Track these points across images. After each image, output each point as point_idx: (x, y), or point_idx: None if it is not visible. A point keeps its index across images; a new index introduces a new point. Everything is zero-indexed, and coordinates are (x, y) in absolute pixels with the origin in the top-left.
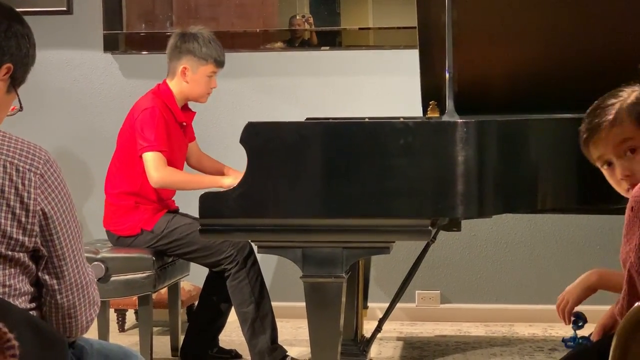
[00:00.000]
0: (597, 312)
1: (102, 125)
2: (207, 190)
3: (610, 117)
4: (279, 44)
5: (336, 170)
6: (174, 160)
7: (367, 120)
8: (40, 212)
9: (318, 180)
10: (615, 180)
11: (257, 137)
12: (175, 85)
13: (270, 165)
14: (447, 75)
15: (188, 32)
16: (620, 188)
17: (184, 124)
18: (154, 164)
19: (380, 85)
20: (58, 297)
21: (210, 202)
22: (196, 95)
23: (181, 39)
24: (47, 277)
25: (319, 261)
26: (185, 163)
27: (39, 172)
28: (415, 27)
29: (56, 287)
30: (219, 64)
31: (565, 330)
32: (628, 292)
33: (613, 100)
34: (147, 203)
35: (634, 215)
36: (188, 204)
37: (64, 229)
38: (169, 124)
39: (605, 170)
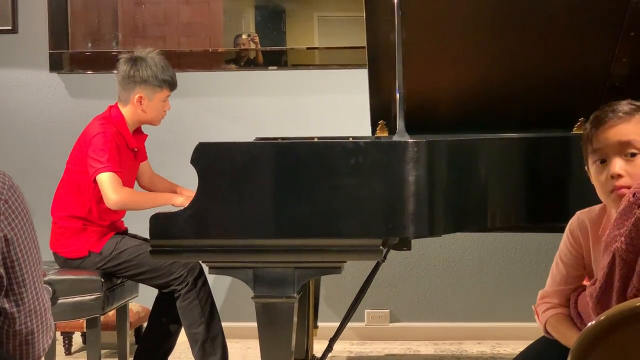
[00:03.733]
0: None
1: (49, 146)
2: (157, 211)
3: (627, 113)
4: (225, 64)
5: (287, 190)
6: (124, 182)
7: (316, 140)
8: (3, 239)
9: (269, 200)
10: (602, 179)
11: (207, 157)
12: (129, 112)
13: (221, 185)
14: (397, 95)
15: (139, 56)
16: (604, 188)
17: (136, 149)
18: (111, 185)
19: (328, 105)
20: (17, 324)
21: (160, 222)
22: (151, 120)
23: (133, 66)
24: (6, 304)
25: (271, 281)
26: (136, 183)
27: (3, 197)
28: (360, 47)
29: (16, 314)
30: (173, 86)
31: (513, 347)
32: (604, 276)
33: (624, 105)
34: (95, 225)
35: (634, 201)
36: (137, 224)
37: (25, 255)
38: (120, 149)
39: (595, 167)
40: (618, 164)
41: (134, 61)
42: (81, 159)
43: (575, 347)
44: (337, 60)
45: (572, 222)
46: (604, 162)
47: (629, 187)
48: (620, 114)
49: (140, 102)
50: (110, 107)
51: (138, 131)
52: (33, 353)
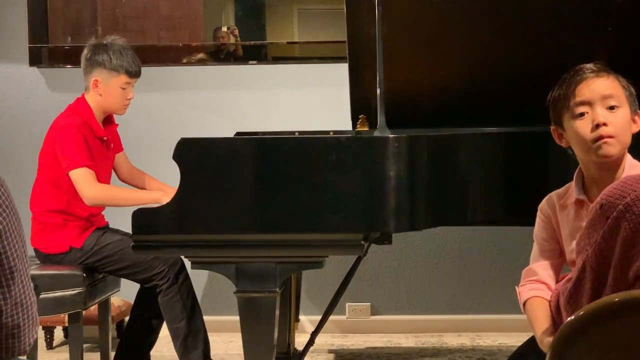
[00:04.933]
0: None
1: (29, 140)
2: (140, 207)
3: (604, 70)
4: (202, 56)
5: (269, 185)
6: (99, 176)
7: (298, 135)
8: None
9: (251, 195)
10: (585, 131)
11: (190, 153)
12: (91, 99)
13: (204, 181)
14: (378, 90)
15: (100, 42)
16: (587, 139)
17: (105, 138)
18: (84, 181)
19: (308, 99)
20: (3, 316)
21: (143, 218)
22: (112, 108)
23: (92, 50)
24: None
25: (253, 276)
26: (114, 176)
27: None
28: (341, 42)
29: (2, 307)
30: (132, 74)
31: (493, 339)
32: (576, 279)
33: (594, 65)
34: (76, 220)
35: (601, 214)
36: (118, 218)
37: (14, 248)
38: (88, 140)
39: (575, 123)
40: (602, 113)
41: (95, 46)
42: (51, 154)
43: (554, 342)
44: (318, 54)
45: (542, 201)
46: (582, 115)
47: (611, 137)
48: (599, 71)
49: (97, 85)
50: (78, 98)
51: (108, 121)
52: (19, 347)
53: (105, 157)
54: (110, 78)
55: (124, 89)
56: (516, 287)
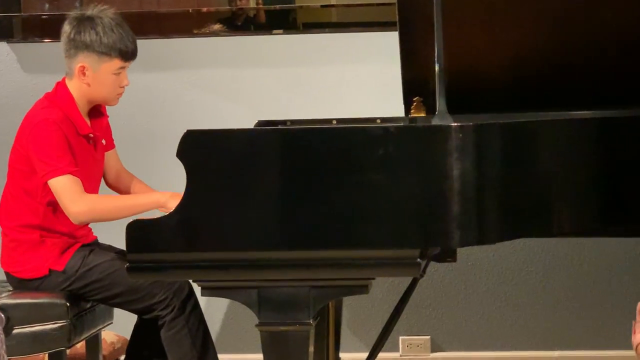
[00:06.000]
0: None
1: None
2: (135, 218)
3: None
4: (218, 26)
5: (299, 189)
6: (86, 184)
7: (335, 124)
8: None
9: (276, 202)
10: None
11: (198, 149)
12: (75, 88)
13: (216, 184)
14: (436, 66)
15: (87, 15)
16: None
17: (91, 135)
18: (68, 193)
19: (348, 77)
20: None
21: (140, 232)
22: (102, 98)
23: (75, 27)
24: None
25: (280, 304)
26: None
27: None
28: (389, 4)
29: None
30: (127, 55)
31: None
32: None
33: None
34: (55, 236)
35: None
36: (108, 232)
37: None
38: (70, 139)
39: None
40: None
41: (79, 21)
42: (24, 155)
43: None
44: (360, 20)
45: None
46: None
47: None
48: None
49: (84, 73)
50: (58, 83)
51: (95, 112)
52: None
53: (92, 160)
54: (101, 63)
55: (117, 74)
56: (633, 321)
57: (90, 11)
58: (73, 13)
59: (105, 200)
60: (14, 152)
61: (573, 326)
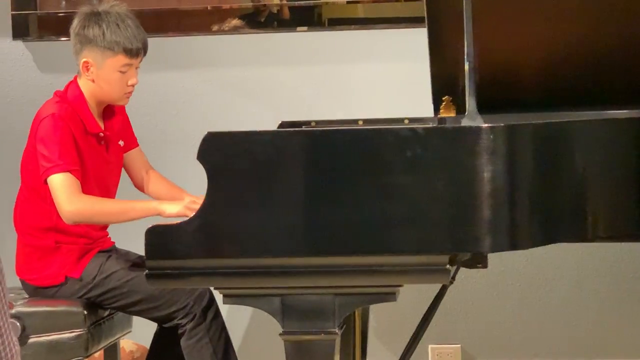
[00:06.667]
0: None
1: (12, 135)
2: (156, 223)
3: None
4: (240, 23)
5: (323, 193)
6: (90, 186)
7: (361, 124)
8: None
9: (300, 207)
10: None
11: (219, 152)
12: (84, 85)
13: (238, 188)
14: (466, 64)
15: (92, 10)
16: None
17: (102, 134)
18: (63, 192)
19: (375, 76)
20: None
21: (159, 238)
22: (109, 97)
23: (81, 22)
24: None
25: (304, 313)
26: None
27: None
28: None
29: None
30: (132, 53)
31: None
32: None
33: None
34: (71, 241)
35: None
36: (126, 236)
37: None
38: (77, 138)
39: None
40: None
41: (86, 16)
42: (34, 154)
43: None
44: (388, 15)
45: None
46: None
47: None
48: None
49: (87, 68)
50: (70, 82)
51: (109, 112)
52: None
53: (103, 161)
54: (105, 59)
55: (123, 72)
56: None
57: (100, 7)
58: (83, 8)
59: (100, 202)
60: (26, 152)
61: (610, 334)
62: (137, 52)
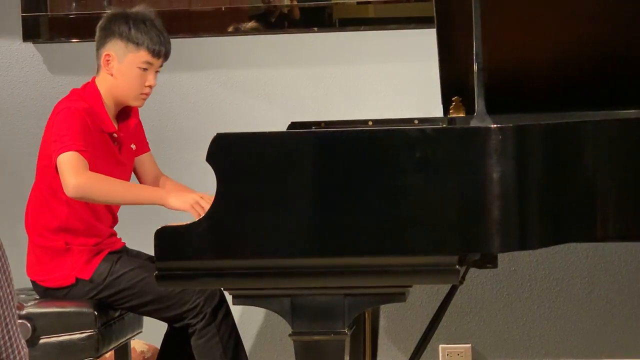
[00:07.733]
0: None
1: (23, 136)
2: (165, 224)
3: None
4: (250, 24)
5: (333, 194)
6: None
7: (371, 125)
8: None
9: (310, 207)
10: None
11: (228, 153)
12: (102, 83)
13: (247, 189)
14: (475, 64)
15: (120, 11)
16: None
17: (116, 135)
18: (71, 167)
19: (386, 76)
20: None
21: (169, 239)
22: (124, 94)
23: (108, 19)
24: None
25: (314, 313)
26: None
27: None
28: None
29: None
30: (155, 52)
31: None
32: None
33: None
34: (82, 243)
35: None
36: (136, 237)
37: None
38: (92, 132)
39: None
40: None
41: (114, 15)
42: (49, 149)
43: None
44: (399, 15)
45: None
46: None
47: None
48: None
49: (108, 61)
50: (87, 82)
51: (124, 115)
52: None
53: (115, 160)
54: (127, 53)
55: (143, 69)
56: None
57: (127, 10)
58: (113, 10)
59: (106, 180)
60: (41, 150)
61: (620, 334)
62: (159, 52)
